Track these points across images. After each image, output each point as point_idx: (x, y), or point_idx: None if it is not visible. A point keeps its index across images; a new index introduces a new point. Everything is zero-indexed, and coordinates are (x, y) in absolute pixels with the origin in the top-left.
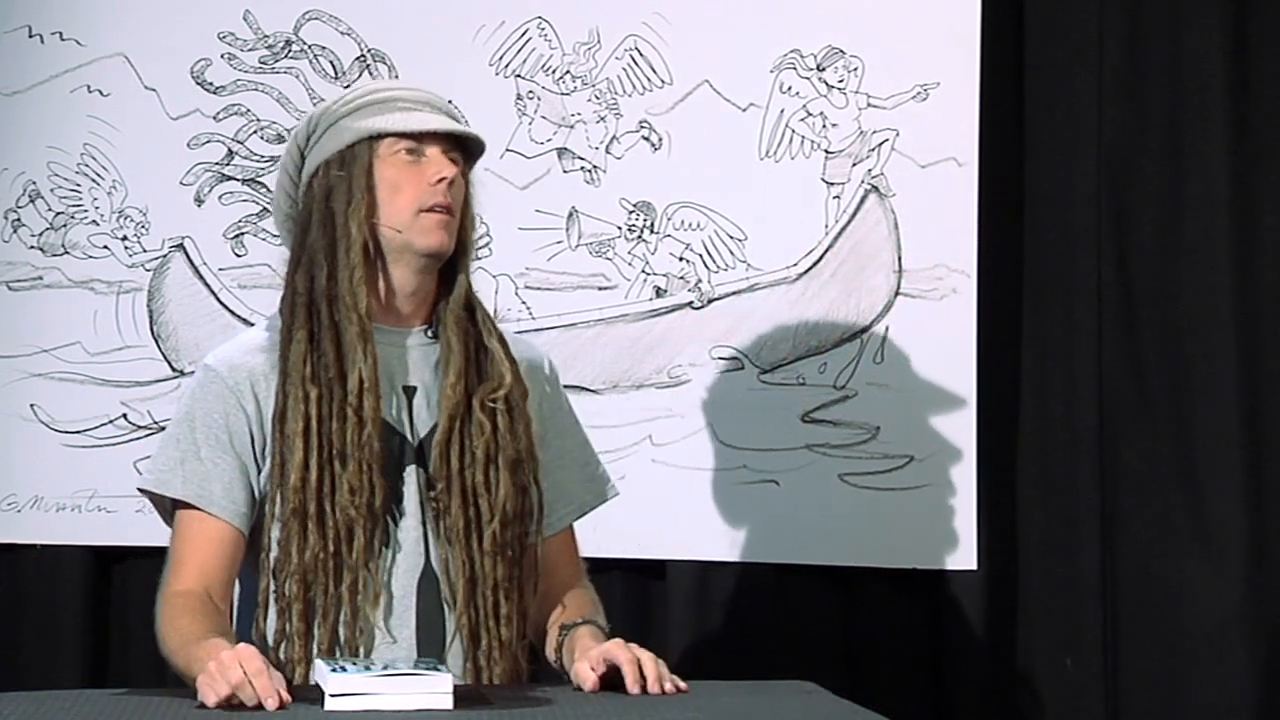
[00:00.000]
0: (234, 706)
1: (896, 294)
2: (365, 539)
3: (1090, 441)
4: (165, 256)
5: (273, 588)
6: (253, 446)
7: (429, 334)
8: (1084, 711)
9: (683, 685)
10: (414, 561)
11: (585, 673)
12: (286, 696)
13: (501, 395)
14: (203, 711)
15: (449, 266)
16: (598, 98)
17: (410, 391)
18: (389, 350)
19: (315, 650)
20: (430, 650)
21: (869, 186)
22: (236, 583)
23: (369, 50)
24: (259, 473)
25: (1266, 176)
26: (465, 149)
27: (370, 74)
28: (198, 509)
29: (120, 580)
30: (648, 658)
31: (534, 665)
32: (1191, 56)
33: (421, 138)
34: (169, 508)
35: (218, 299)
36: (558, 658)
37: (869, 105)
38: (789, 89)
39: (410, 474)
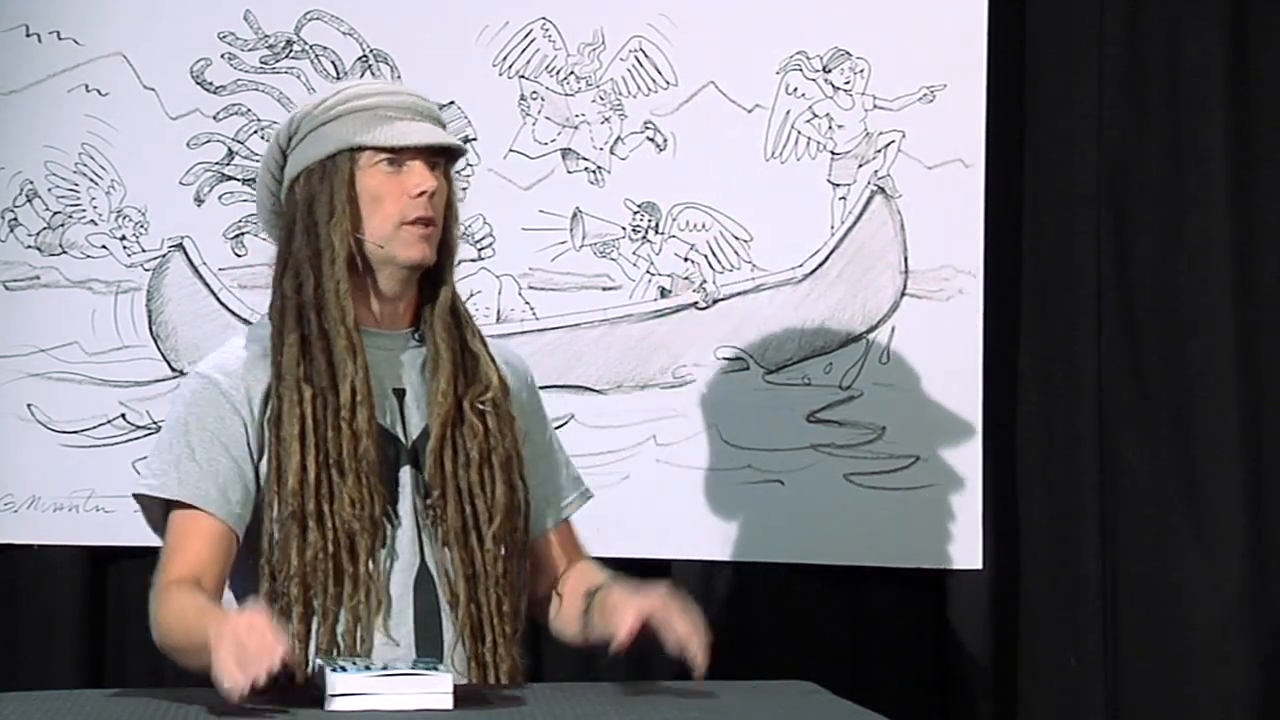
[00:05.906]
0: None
1: (902, 295)
2: (367, 549)
3: (1091, 441)
4: (164, 256)
5: (271, 590)
6: (249, 450)
7: (415, 336)
8: (1085, 709)
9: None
10: (409, 562)
11: (626, 620)
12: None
13: (490, 397)
14: (203, 712)
15: (433, 270)
16: (602, 98)
17: (400, 394)
18: (377, 354)
19: (315, 652)
20: (428, 651)
21: (875, 188)
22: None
23: (371, 50)
24: (255, 477)
25: (1266, 176)
26: (448, 151)
27: (372, 74)
28: (193, 508)
29: (117, 581)
30: (698, 643)
31: (531, 660)
32: (1191, 56)
33: (403, 149)
34: (160, 515)
35: (217, 299)
36: (583, 624)
37: (875, 107)
38: (795, 90)
39: (405, 475)
